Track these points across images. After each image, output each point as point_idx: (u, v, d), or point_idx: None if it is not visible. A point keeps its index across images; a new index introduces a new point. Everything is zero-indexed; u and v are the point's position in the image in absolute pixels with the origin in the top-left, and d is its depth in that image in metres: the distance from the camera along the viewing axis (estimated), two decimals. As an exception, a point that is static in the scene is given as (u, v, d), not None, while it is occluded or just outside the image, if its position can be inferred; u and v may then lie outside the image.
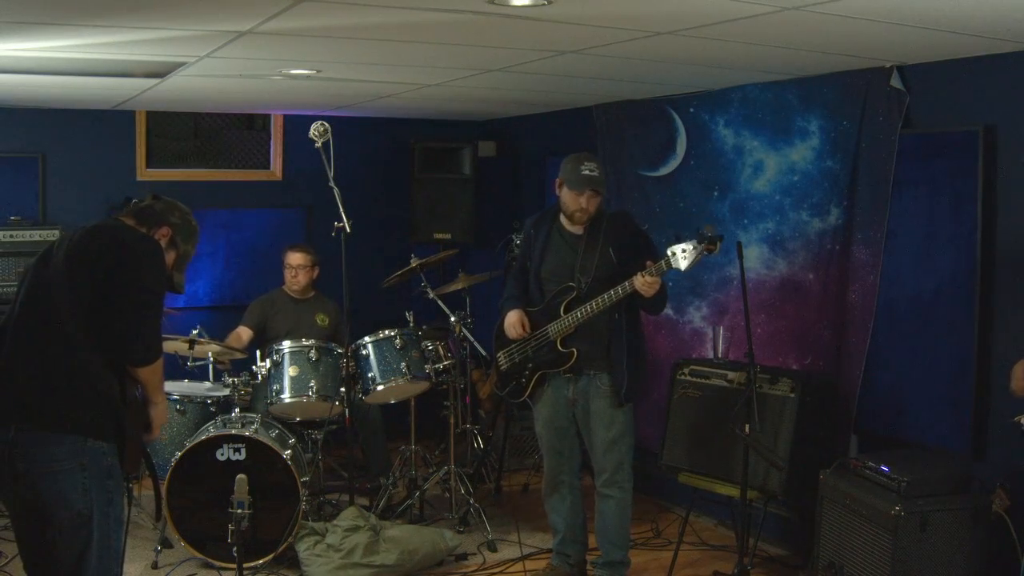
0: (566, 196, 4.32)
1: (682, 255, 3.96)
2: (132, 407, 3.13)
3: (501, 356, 4.60)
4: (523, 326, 4.41)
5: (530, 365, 4.45)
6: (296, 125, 6.74)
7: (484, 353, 5.59)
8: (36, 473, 2.93)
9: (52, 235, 5.90)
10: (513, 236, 5.93)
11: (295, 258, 5.92)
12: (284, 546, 4.68)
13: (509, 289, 4.62)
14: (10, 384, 2.99)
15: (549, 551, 4.75)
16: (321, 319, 5.91)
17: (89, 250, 3.07)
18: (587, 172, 4.25)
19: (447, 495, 5.52)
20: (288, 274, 5.94)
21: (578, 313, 4.23)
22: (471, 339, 5.63)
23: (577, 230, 4.38)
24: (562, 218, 4.42)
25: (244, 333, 5.79)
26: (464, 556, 4.92)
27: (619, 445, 4.36)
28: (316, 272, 5.99)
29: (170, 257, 3.28)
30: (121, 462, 3.08)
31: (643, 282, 4.05)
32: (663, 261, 4.01)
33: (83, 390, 2.98)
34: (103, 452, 3.00)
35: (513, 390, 4.55)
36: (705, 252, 3.94)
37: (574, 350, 4.30)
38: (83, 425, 2.97)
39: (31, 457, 2.93)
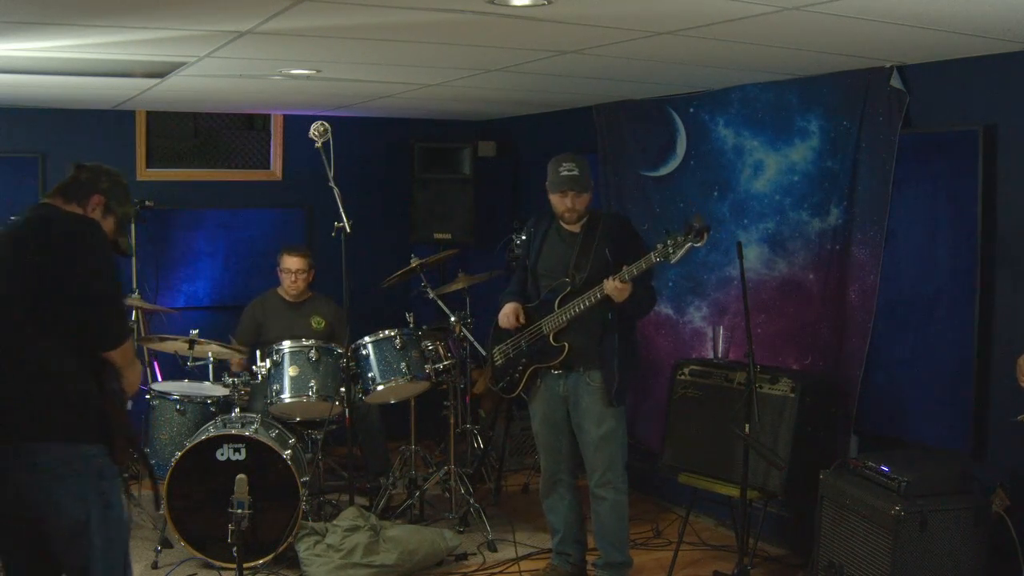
0: (552, 199, 4.40)
1: (671, 247, 3.95)
2: (111, 399, 3.09)
3: (496, 351, 4.63)
4: (516, 316, 4.44)
5: (523, 360, 4.47)
6: (296, 125, 6.72)
7: (484, 353, 5.58)
8: (29, 485, 2.90)
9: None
10: (513, 236, 5.92)
11: (293, 263, 5.80)
12: (284, 546, 4.68)
13: (511, 285, 4.70)
14: None
15: (549, 551, 4.75)
16: (316, 322, 5.82)
17: (30, 257, 2.97)
18: (565, 173, 4.31)
19: (447, 495, 5.51)
20: (287, 279, 5.82)
21: (570, 308, 4.26)
22: (471, 339, 5.63)
23: (574, 229, 4.42)
24: None
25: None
26: (464, 556, 4.92)
27: (610, 442, 4.35)
28: (313, 274, 5.91)
29: (109, 224, 3.19)
30: (112, 457, 3.05)
31: (612, 287, 4.07)
32: (642, 260, 4.02)
33: (64, 395, 2.95)
34: (92, 455, 2.98)
35: (506, 385, 4.57)
36: (693, 244, 3.92)
37: (565, 344, 4.32)
38: (69, 430, 2.94)
39: (22, 470, 2.89)
